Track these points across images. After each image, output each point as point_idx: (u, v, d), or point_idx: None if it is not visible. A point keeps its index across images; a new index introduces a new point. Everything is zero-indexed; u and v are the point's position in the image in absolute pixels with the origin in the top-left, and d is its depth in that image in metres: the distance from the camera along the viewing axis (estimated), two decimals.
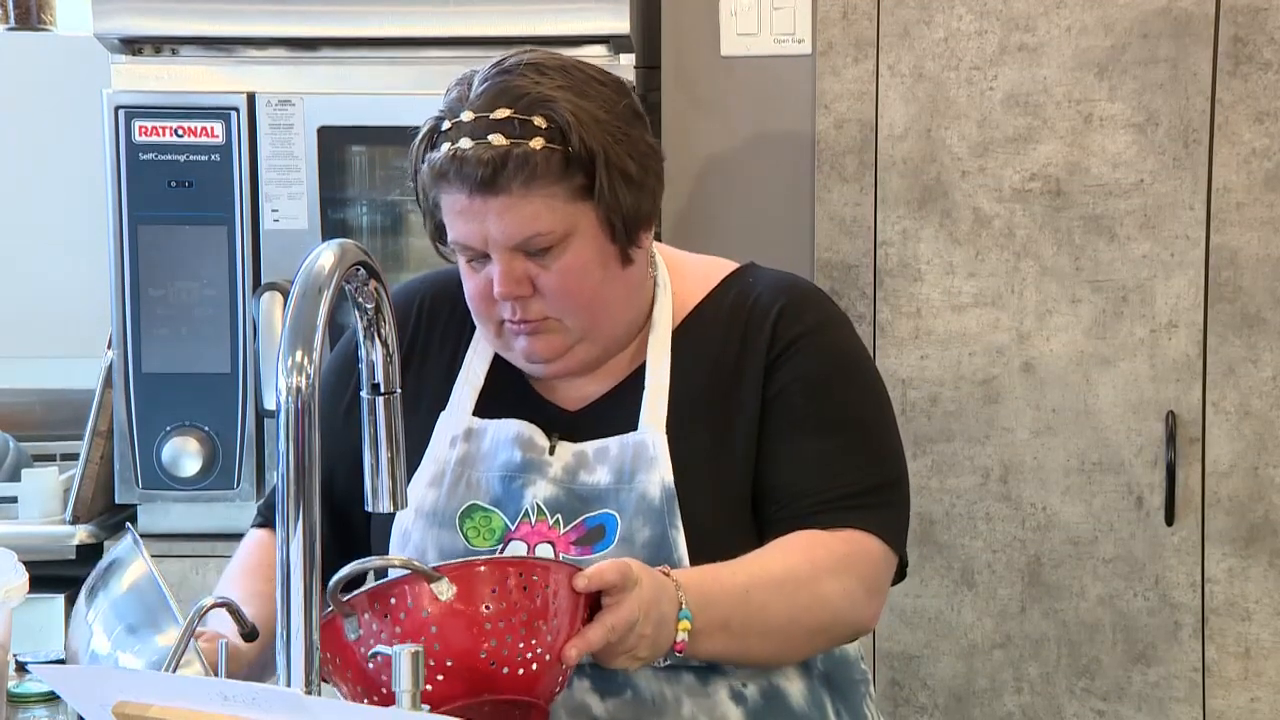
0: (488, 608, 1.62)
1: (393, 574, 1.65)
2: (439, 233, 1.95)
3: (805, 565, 1.89)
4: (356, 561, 1.67)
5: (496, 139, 1.84)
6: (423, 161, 1.91)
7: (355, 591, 1.65)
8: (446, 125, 1.88)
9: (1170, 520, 3.22)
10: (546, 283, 1.89)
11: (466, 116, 1.87)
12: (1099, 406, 3.23)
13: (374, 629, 1.62)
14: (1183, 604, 3.23)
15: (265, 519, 2.13)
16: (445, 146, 1.87)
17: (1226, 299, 3.20)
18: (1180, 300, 3.21)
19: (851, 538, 1.93)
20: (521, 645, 1.63)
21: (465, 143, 1.85)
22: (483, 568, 1.63)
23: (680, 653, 1.78)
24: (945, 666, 3.28)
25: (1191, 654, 3.24)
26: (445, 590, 1.61)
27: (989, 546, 3.27)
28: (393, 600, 1.62)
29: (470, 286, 1.93)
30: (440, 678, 1.61)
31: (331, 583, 1.63)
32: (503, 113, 1.85)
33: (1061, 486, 3.25)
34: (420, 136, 1.92)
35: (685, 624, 1.76)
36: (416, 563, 1.64)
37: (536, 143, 1.84)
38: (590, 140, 1.86)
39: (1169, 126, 3.20)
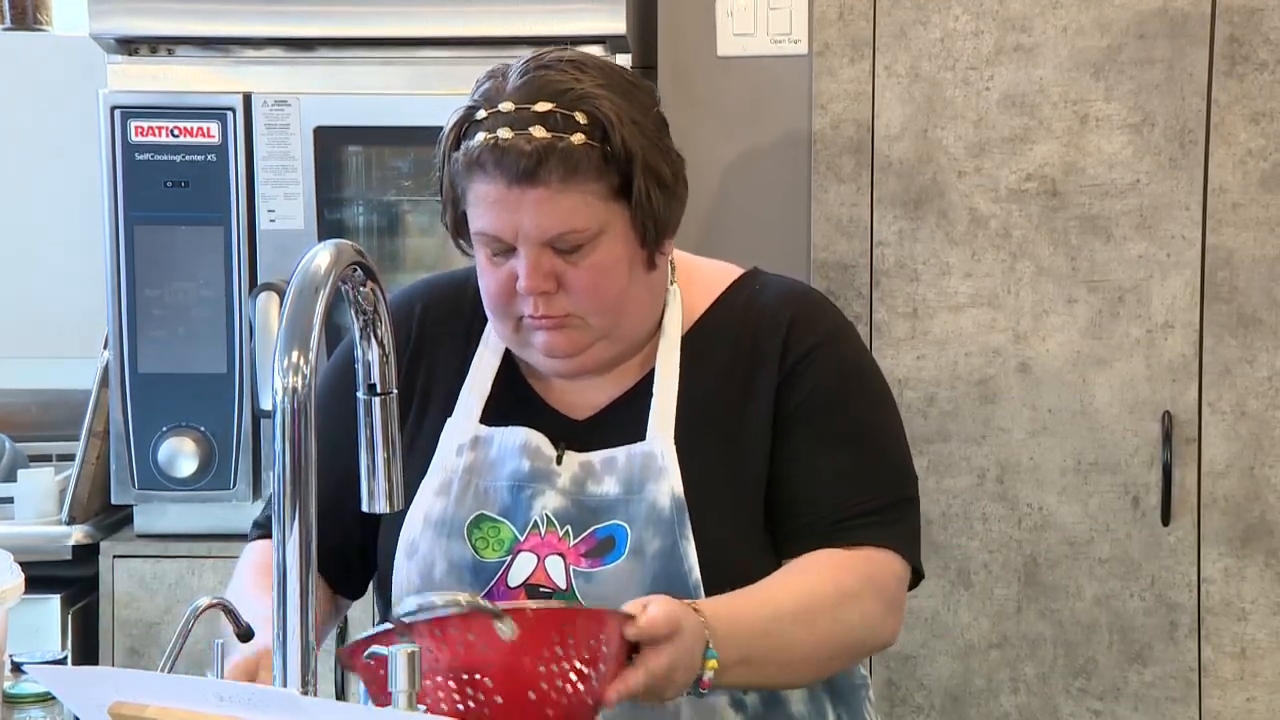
0: (545, 652, 1.63)
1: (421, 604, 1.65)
2: (459, 224, 1.92)
3: (828, 590, 1.87)
4: (418, 596, 1.67)
5: (538, 131, 1.81)
6: (456, 149, 1.87)
7: (408, 616, 1.65)
8: (482, 114, 1.85)
9: (1166, 520, 3.22)
10: (573, 279, 1.86)
11: (506, 107, 1.83)
12: (1095, 407, 3.23)
13: (430, 655, 1.63)
14: (1179, 604, 3.23)
15: (264, 531, 2.08)
16: (481, 135, 1.83)
17: (1223, 299, 3.20)
18: (1176, 301, 3.21)
19: (872, 557, 1.92)
20: (569, 689, 1.64)
21: (505, 132, 1.82)
22: (534, 610, 1.64)
23: (706, 690, 1.76)
24: (942, 667, 3.28)
25: (1188, 654, 3.24)
26: (508, 631, 1.62)
27: (985, 547, 3.27)
28: (452, 631, 1.63)
29: (490, 281, 1.90)
30: (487, 711, 1.63)
31: (394, 615, 1.65)
32: (545, 106, 1.82)
33: (1058, 487, 3.25)
34: (452, 124, 1.88)
35: (712, 663, 1.75)
36: (484, 602, 1.64)
37: (577, 138, 1.82)
38: (630, 141, 1.84)
39: (1165, 127, 3.20)
